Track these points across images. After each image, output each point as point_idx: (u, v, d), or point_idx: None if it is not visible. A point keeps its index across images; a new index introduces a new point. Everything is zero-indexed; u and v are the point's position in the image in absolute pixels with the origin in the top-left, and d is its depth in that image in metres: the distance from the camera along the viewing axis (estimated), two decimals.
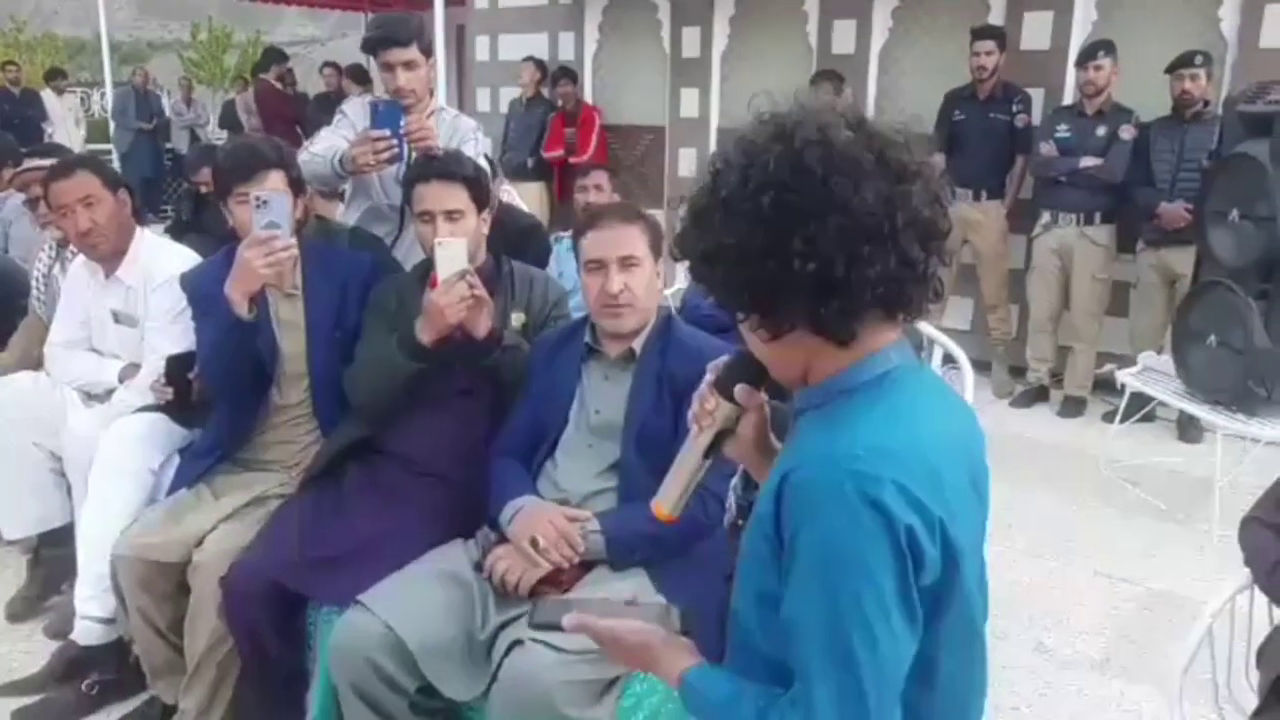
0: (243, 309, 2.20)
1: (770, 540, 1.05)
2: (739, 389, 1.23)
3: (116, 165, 10.79)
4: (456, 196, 2.33)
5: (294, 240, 2.24)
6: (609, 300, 2.02)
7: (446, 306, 2.14)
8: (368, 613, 1.84)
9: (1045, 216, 5.03)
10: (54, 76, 11.17)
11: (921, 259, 1.04)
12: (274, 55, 10.82)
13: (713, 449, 1.26)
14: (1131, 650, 2.90)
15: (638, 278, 2.04)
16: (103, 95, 11.91)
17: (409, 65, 2.77)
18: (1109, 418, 4.66)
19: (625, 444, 2.01)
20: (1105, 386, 5.01)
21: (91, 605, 2.44)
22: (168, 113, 11.48)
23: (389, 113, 2.65)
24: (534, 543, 1.88)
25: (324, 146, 2.77)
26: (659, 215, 7.51)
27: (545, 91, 7.55)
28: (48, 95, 10.79)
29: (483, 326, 2.21)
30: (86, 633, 2.47)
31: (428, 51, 2.82)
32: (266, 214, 2.16)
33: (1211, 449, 3.84)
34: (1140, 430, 4.52)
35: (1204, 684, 1.88)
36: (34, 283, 3.31)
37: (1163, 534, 3.69)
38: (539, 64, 7.60)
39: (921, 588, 1.01)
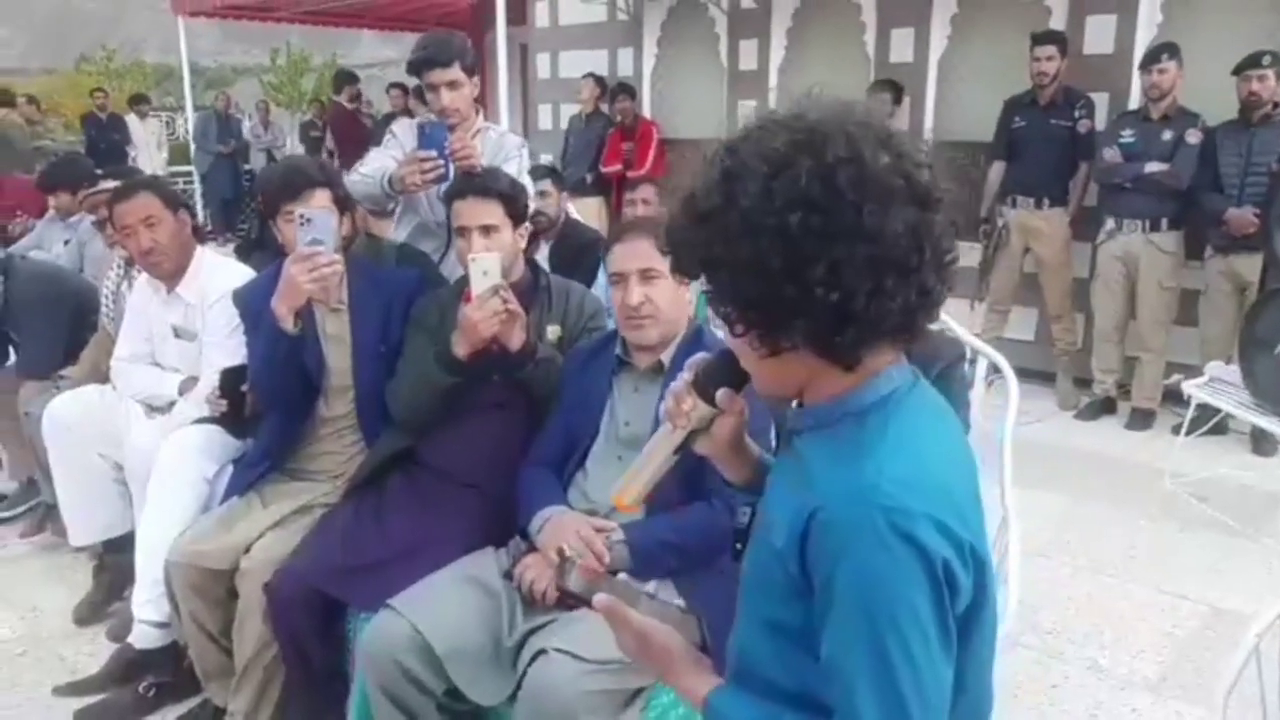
0: (288, 323, 2.28)
1: (793, 577, 1.03)
2: (721, 393, 1.20)
3: (197, 187, 11.24)
4: (491, 212, 2.37)
5: (338, 256, 2.30)
6: (630, 312, 2.05)
7: (480, 321, 2.19)
8: (397, 616, 1.88)
9: (1109, 223, 4.91)
10: (138, 102, 11.65)
11: (938, 289, 1.02)
12: (345, 77, 11.14)
13: (683, 446, 1.24)
14: (1190, 671, 2.80)
15: (659, 290, 2.05)
16: (185, 120, 12.33)
17: (452, 85, 2.83)
18: (1178, 430, 4.50)
19: None
20: (1175, 398, 4.83)
21: (148, 610, 2.54)
22: (246, 135, 11.85)
23: (435, 133, 2.71)
24: (559, 552, 1.90)
25: (373, 167, 2.84)
26: None
27: (604, 107, 7.62)
28: (132, 120, 11.25)
29: (516, 340, 2.25)
30: (143, 636, 2.57)
31: (470, 71, 2.87)
32: (310, 231, 2.23)
33: None
34: (1211, 443, 4.36)
35: (1254, 703, 1.81)
36: (103, 299, 3.46)
37: (1229, 550, 3.57)
38: (599, 80, 7.69)
39: (956, 614, 1.00)
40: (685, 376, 1.23)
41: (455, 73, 2.83)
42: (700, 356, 1.24)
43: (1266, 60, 4.34)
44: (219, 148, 11.14)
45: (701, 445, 1.25)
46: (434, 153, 2.70)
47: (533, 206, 2.76)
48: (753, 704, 1.11)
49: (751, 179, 0.99)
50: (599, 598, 1.23)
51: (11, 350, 3.71)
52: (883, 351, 1.06)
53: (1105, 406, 5.12)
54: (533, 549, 2.02)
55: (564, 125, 8.10)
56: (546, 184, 4.20)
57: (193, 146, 11.43)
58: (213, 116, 11.56)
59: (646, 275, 2.04)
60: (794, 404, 1.17)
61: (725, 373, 1.19)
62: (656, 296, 2.04)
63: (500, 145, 3.02)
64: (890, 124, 1.03)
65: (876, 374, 1.07)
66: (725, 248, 1.01)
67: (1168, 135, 4.67)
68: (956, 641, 1.01)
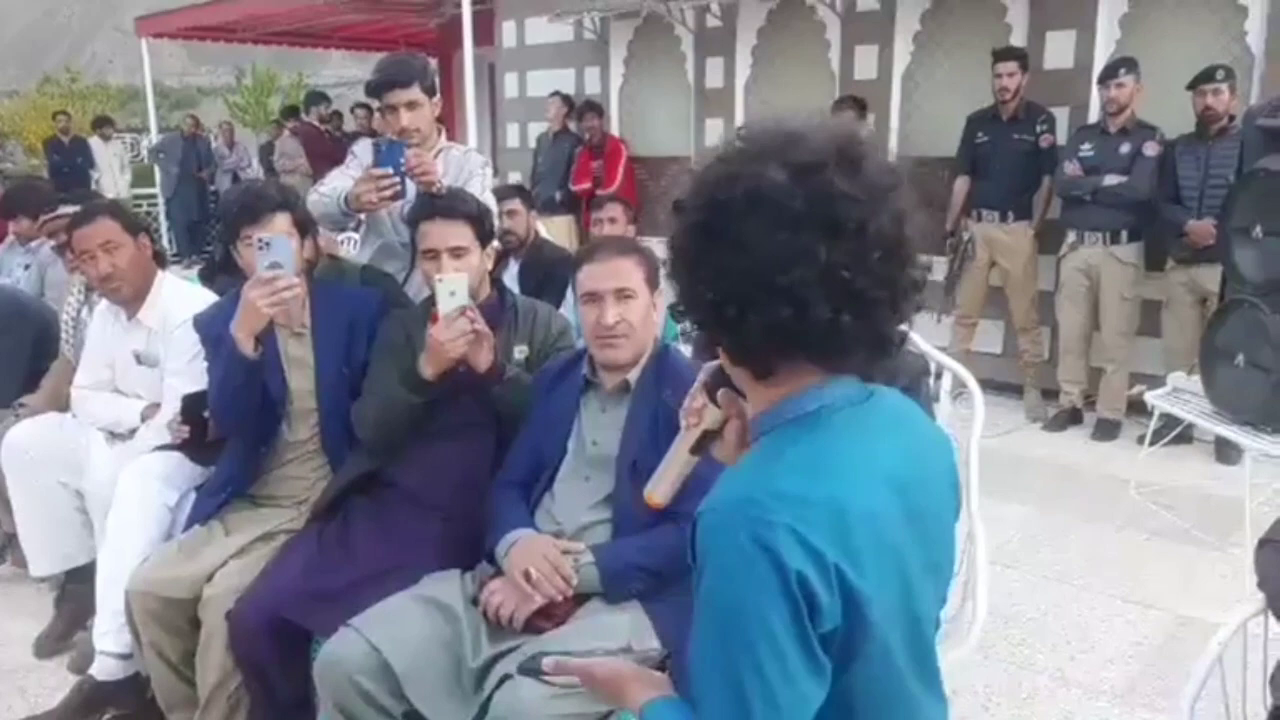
0: (247, 348, 2.25)
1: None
2: (722, 393, 1.22)
3: (162, 210, 11.10)
4: (460, 234, 2.36)
5: (297, 280, 2.29)
6: (604, 332, 2.04)
7: (448, 341, 2.18)
8: (354, 634, 1.86)
9: (1071, 236, 4.98)
10: (101, 124, 11.51)
11: (828, 318, 1.01)
12: (315, 98, 11.11)
13: (700, 447, 1.27)
14: (1157, 680, 2.82)
15: (633, 310, 2.05)
16: (149, 141, 12.22)
17: (411, 105, 2.83)
18: (1143, 440, 4.55)
19: (619, 476, 2.02)
20: (1140, 408, 4.89)
21: (109, 641, 2.49)
22: (230, 156, 11.69)
23: (391, 151, 2.70)
24: (526, 575, 1.89)
25: (331, 186, 2.83)
26: None
27: (572, 125, 7.63)
28: (95, 143, 11.12)
29: (484, 361, 2.24)
30: (104, 668, 2.52)
31: (430, 91, 2.87)
32: (269, 255, 2.21)
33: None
34: (1176, 453, 4.42)
35: (1221, 711, 1.82)
36: (63, 326, 3.41)
37: (1194, 559, 3.60)
38: (565, 98, 7.70)
39: (822, 634, 0.99)
40: (701, 376, 1.26)
41: (414, 93, 2.83)
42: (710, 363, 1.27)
43: (1220, 75, 4.42)
44: (174, 169, 10.94)
45: (717, 450, 1.27)
46: (390, 170, 2.69)
47: (498, 226, 2.76)
48: (680, 711, 1.10)
49: (688, 211, 1.08)
50: (547, 661, 1.33)
51: None
52: (801, 369, 1.08)
53: (1071, 417, 5.17)
54: (499, 573, 2.00)
55: (532, 144, 8.11)
56: (515, 203, 4.19)
57: (156, 170, 11.31)
58: (178, 139, 11.44)
59: (622, 294, 2.04)
60: None
61: (727, 376, 1.22)
62: (630, 316, 2.04)
63: (463, 164, 3.01)
64: (834, 143, 1.04)
65: (803, 390, 1.09)
66: (680, 271, 1.11)
67: (1125, 148, 4.74)
68: (831, 664, 1.01)
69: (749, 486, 1.03)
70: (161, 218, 11.12)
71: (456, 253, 2.36)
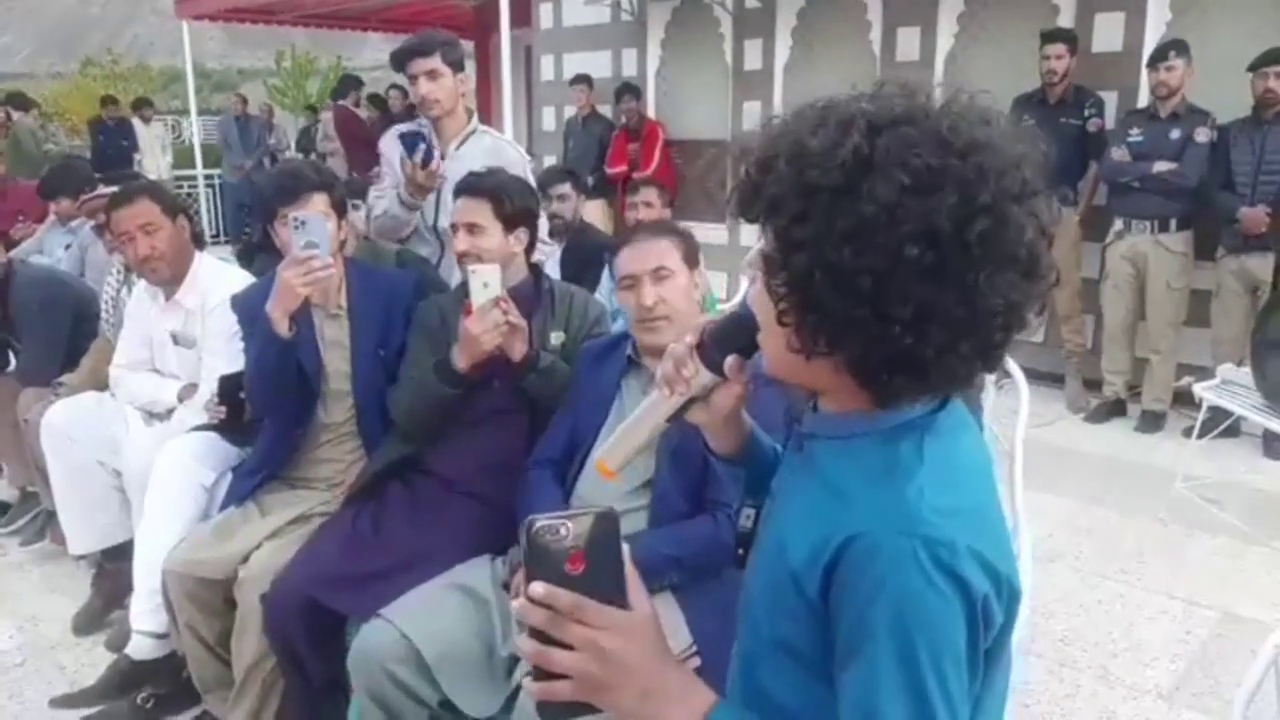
0: (282, 327, 2.24)
1: (811, 602, 0.96)
2: (730, 360, 1.09)
3: (215, 192, 11.23)
4: (478, 210, 2.34)
5: (332, 260, 2.27)
6: (644, 315, 2.01)
7: (481, 334, 2.15)
8: (386, 624, 1.86)
9: (1118, 224, 4.87)
10: (140, 106, 11.58)
11: (995, 348, 0.94)
12: (352, 82, 11.14)
13: (678, 415, 1.14)
14: (1204, 679, 2.75)
15: (671, 289, 2.01)
16: (190, 123, 12.29)
17: (431, 75, 2.85)
18: (1189, 433, 4.45)
19: (659, 462, 1.98)
20: (1186, 400, 4.79)
21: (146, 620, 2.51)
22: (270, 139, 11.69)
23: (413, 139, 2.72)
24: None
25: (384, 205, 2.88)
26: (722, 229, 7.41)
27: (600, 108, 7.60)
28: (137, 124, 11.21)
29: (518, 351, 2.22)
30: (140, 647, 2.53)
31: (454, 65, 2.88)
32: (304, 234, 2.20)
33: None
34: (1223, 446, 4.31)
35: (1272, 713, 1.76)
36: (103, 305, 3.44)
37: (1242, 554, 3.52)
38: (589, 81, 7.67)
39: (984, 649, 0.95)
40: (689, 339, 1.11)
41: (435, 62, 2.85)
42: (708, 319, 1.14)
43: None
44: (245, 161, 10.98)
45: (697, 415, 1.15)
46: (421, 149, 2.76)
47: (544, 215, 2.77)
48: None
49: (885, 183, 0.87)
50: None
51: (11, 356, 3.68)
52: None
53: (1115, 409, 5.07)
54: None
55: None
56: (566, 187, 4.16)
57: (225, 158, 11.36)
58: (231, 121, 11.49)
59: (659, 275, 2.01)
60: (810, 403, 1.09)
61: (735, 338, 1.08)
62: (669, 295, 2.00)
63: (495, 154, 2.97)
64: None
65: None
66: (820, 236, 0.89)
67: (1176, 134, 4.62)
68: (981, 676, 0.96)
69: (909, 502, 0.93)
70: (201, 200, 11.19)
71: (472, 229, 2.33)
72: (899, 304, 0.87)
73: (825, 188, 0.88)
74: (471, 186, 2.36)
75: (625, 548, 0.94)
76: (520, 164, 3.00)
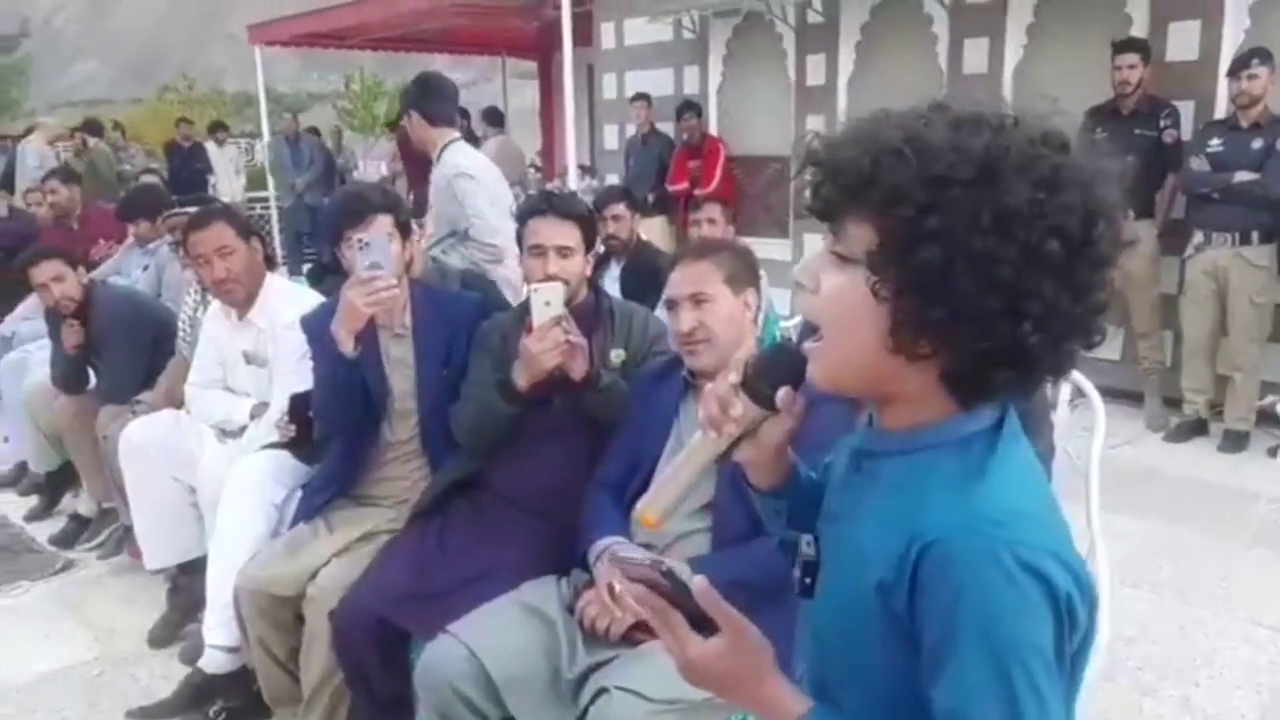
0: (347, 347, 2.28)
1: (897, 616, 0.95)
2: (782, 393, 1.06)
3: (274, 214, 11.31)
4: (570, 234, 2.36)
5: (396, 280, 2.30)
6: (683, 339, 2.02)
7: (542, 353, 2.16)
8: (454, 642, 1.86)
9: (1198, 236, 4.71)
10: (215, 129, 11.94)
11: (1090, 348, 0.97)
12: None
13: (725, 456, 1.11)
14: None
15: (709, 313, 2.00)
16: (263, 146, 12.59)
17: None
18: (1274, 452, 4.30)
19: (719, 484, 1.96)
20: (1270, 419, 4.63)
21: (218, 634, 2.56)
22: (339, 159, 11.79)
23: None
24: (610, 590, 1.86)
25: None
26: (785, 245, 7.33)
27: (660, 126, 7.64)
28: (210, 147, 11.54)
29: (579, 370, 2.22)
30: (213, 660, 2.58)
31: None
32: (369, 255, 2.24)
33: None
34: None
35: None
36: (180, 325, 3.53)
37: None
38: (648, 99, 7.70)
39: (1071, 652, 0.93)
40: (731, 378, 1.08)
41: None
42: (749, 353, 1.13)
43: None
44: (296, 179, 10.94)
45: (744, 452, 1.12)
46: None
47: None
48: None
49: (1022, 179, 0.88)
50: (699, 579, 1.05)
51: (92, 375, 3.80)
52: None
53: (1196, 428, 4.89)
54: (594, 581, 1.97)
55: None
56: (620, 207, 4.18)
57: (270, 179, 11.30)
58: (282, 141, 11.49)
59: (697, 300, 2.00)
60: (867, 420, 1.08)
61: (783, 368, 1.05)
62: (709, 320, 1.99)
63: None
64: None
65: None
66: (960, 226, 0.88)
67: (1258, 144, 4.47)
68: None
69: (985, 506, 0.93)
70: (273, 221, 11.33)
71: (563, 252, 2.35)
72: (1030, 297, 0.89)
73: (958, 180, 0.89)
74: (564, 209, 2.38)
75: (696, 577, 1.02)
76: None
